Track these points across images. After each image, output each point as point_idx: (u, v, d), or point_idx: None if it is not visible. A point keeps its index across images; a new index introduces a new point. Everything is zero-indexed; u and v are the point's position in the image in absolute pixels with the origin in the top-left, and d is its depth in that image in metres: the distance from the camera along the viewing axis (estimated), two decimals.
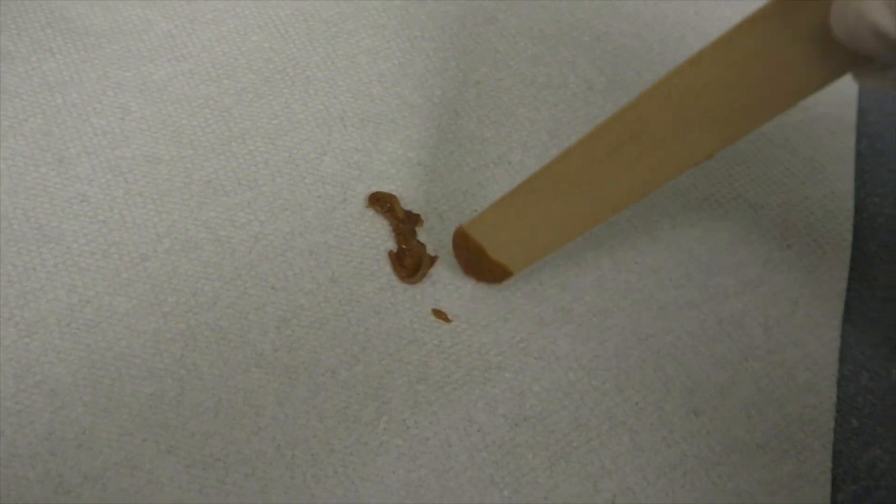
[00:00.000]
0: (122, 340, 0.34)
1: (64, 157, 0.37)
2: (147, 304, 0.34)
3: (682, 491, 0.32)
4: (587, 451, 0.33)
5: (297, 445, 0.32)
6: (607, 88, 0.42)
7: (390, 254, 0.36)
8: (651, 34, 0.44)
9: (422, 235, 0.37)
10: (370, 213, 0.38)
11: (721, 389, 0.35)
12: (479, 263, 0.35)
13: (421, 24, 0.43)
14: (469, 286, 0.36)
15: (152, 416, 0.32)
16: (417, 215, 0.38)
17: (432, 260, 0.36)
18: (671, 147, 0.27)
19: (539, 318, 0.36)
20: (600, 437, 0.33)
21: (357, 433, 0.32)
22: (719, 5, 0.45)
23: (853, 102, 0.42)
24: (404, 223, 0.37)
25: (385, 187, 0.38)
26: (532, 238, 0.33)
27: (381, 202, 0.38)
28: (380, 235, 0.37)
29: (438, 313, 0.35)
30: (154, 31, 0.42)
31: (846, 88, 0.41)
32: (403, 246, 0.36)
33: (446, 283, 0.36)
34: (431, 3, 0.44)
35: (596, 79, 0.42)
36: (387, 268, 0.36)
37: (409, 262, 0.36)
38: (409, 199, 0.38)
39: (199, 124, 0.39)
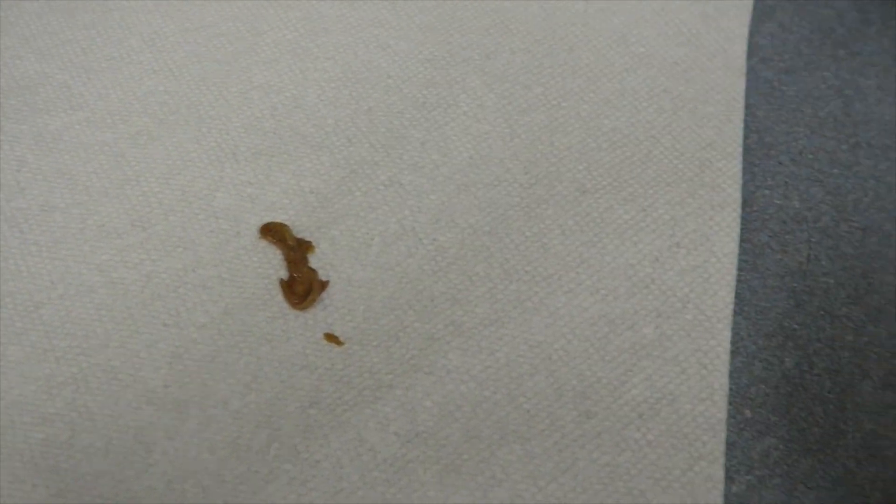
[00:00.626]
0: (14, 389, 0.34)
1: None
2: (40, 351, 0.35)
3: (573, 494, 0.33)
4: (478, 461, 0.33)
5: (188, 479, 0.32)
6: (497, 104, 0.43)
7: (281, 282, 0.37)
8: (540, 49, 0.45)
9: (314, 261, 0.38)
10: (263, 243, 0.38)
11: (613, 390, 0.35)
12: None
13: (313, 56, 0.44)
14: (361, 308, 0.37)
15: (43, 461, 0.32)
16: (309, 242, 0.38)
17: (323, 285, 0.37)
18: None
19: (430, 334, 0.36)
20: (491, 447, 0.34)
21: (248, 462, 0.33)
22: (608, 18, 0.46)
23: (740, 99, 0.43)
24: (295, 251, 0.38)
25: (278, 217, 0.39)
26: None
27: (273, 232, 0.38)
28: (272, 265, 0.38)
29: (330, 337, 0.36)
30: (50, 83, 0.43)
31: (733, 86, 0.42)
32: (294, 274, 0.37)
33: (339, 307, 0.37)
34: (324, 36, 0.45)
35: (486, 96, 0.43)
36: (279, 296, 0.37)
37: (300, 289, 0.37)
38: (302, 227, 0.39)
39: (94, 170, 0.40)
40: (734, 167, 0.41)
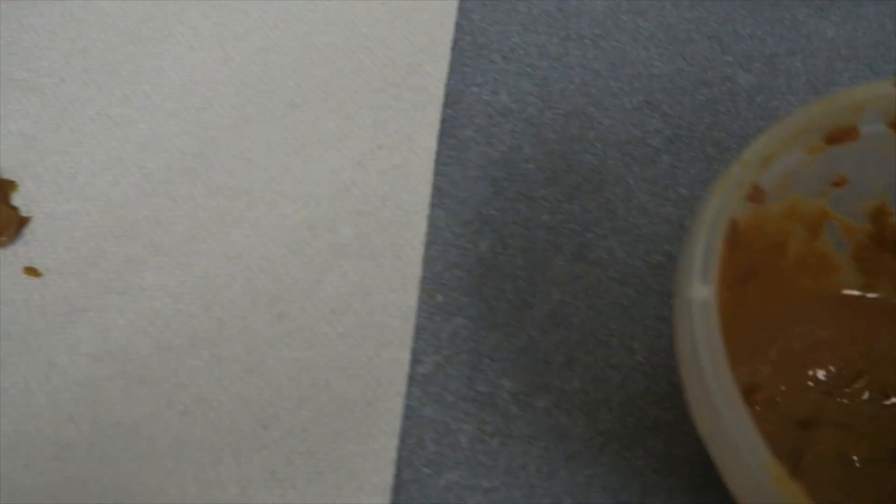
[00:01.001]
0: None
1: None
2: None
3: (258, 391, 0.33)
4: (165, 371, 0.34)
5: None
6: (213, 32, 0.43)
7: None
8: None
9: (17, 199, 0.38)
10: None
11: (308, 290, 0.36)
12: None
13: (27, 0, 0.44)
14: (63, 239, 0.37)
15: None
16: (11, 181, 0.38)
17: (23, 221, 0.37)
18: None
19: (128, 257, 0.36)
20: (180, 356, 0.34)
21: None
22: None
23: (454, 3, 0.44)
24: None
25: None
26: None
27: None
28: None
29: (29, 270, 0.36)
30: None
31: None
32: None
33: (40, 241, 0.37)
34: None
35: (202, 24, 0.43)
36: None
37: None
38: (6, 169, 0.39)
39: None
40: (441, 69, 0.41)
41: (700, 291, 0.24)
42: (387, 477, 0.32)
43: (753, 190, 0.27)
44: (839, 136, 0.28)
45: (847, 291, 0.34)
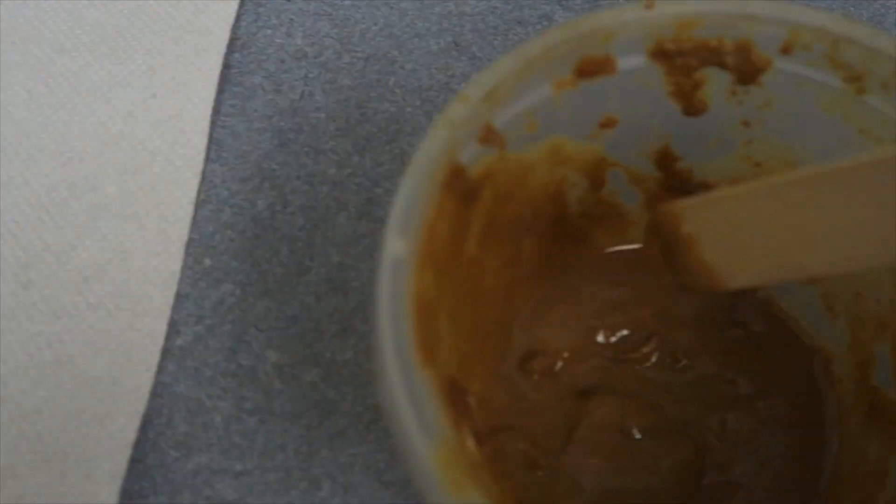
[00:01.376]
0: None
1: None
2: None
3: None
4: None
5: None
6: None
7: None
8: None
9: None
10: None
11: (60, 256, 0.32)
12: (679, 259, 0.24)
13: None
14: None
15: None
16: None
17: None
18: None
19: None
20: None
21: None
22: None
23: None
24: None
25: None
26: (783, 250, 0.21)
27: None
28: None
29: None
30: None
31: None
32: None
33: None
34: None
35: None
36: None
37: None
38: None
39: None
40: (230, 8, 0.37)
41: (395, 247, 0.21)
42: (121, 462, 0.28)
43: (485, 131, 0.23)
44: (590, 68, 0.24)
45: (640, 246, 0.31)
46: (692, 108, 0.27)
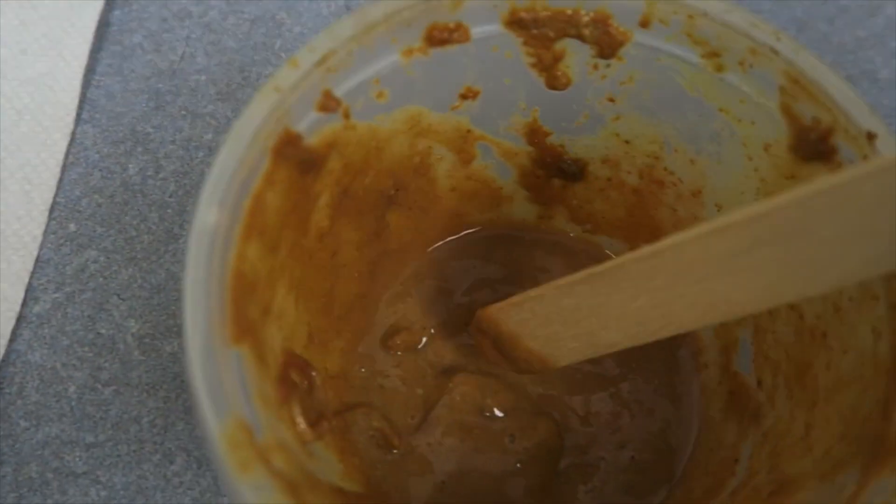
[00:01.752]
0: None
1: None
2: None
3: None
4: None
5: None
6: None
7: None
8: None
9: None
10: None
11: None
12: (510, 351, 0.26)
13: None
14: None
15: None
16: None
17: None
18: (837, 255, 0.18)
19: None
20: None
21: None
22: None
23: None
24: None
25: None
26: (590, 333, 0.23)
27: None
28: None
29: None
30: None
31: None
32: None
33: None
34: None
35: None
36: None
37: None
38: None
39: None
40: None
41: (208, 218, 0.20)
42: None
43: (324, 98, 0.22)
44: (441, 35, 0.24)
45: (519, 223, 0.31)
46: (555, 81, 0.26)
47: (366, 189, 0.26)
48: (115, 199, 0.32)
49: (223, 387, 0.18)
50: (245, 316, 0.20)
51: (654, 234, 0.29)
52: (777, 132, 0.24)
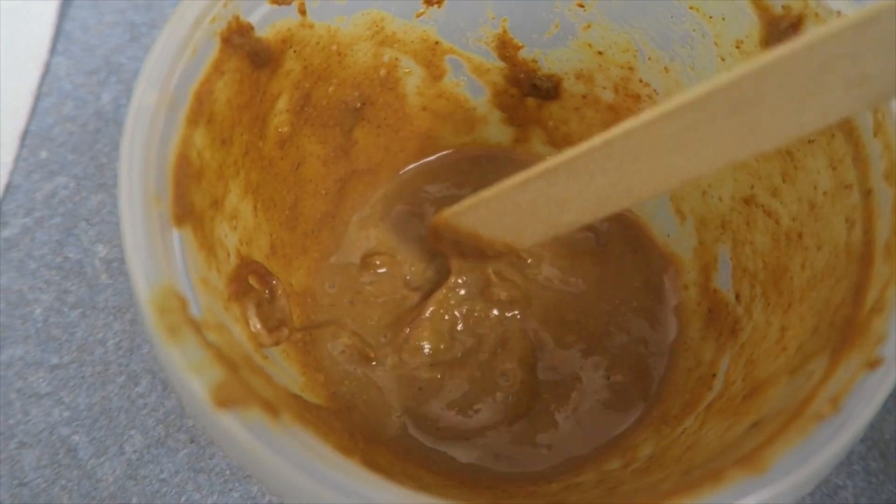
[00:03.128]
0: None
1: None
2: None
3: None
4: None
5: None
6: None
7: None
8: None
9: None
10: None
11: None
12: (472, 246, 0.26)
13: None
14: None
15: None
16: None
17: None
18: (787, 116, 0.17)
19: None
20: None
21: None
22: None
23: None
24: None
25: None
26: (549, 217, 0.23)
27: None
28: None
29: None
30: None
31: None
32: None
33: None
34: None
35: None
36: None
37: None
38: None
39: None
40: None
41: (146, 96, 0.19)
42: None
43: None
44: None
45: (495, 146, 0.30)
46: None
47: (329, 99, 0.26)
48: (87, 128, 0.31)
49: (156, 257, 0.18)
50: (189, 200, 0.20)
51: None
52: (748, 26, 0.23)
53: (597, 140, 0.20)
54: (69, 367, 0.28)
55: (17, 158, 0.31)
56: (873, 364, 0.17)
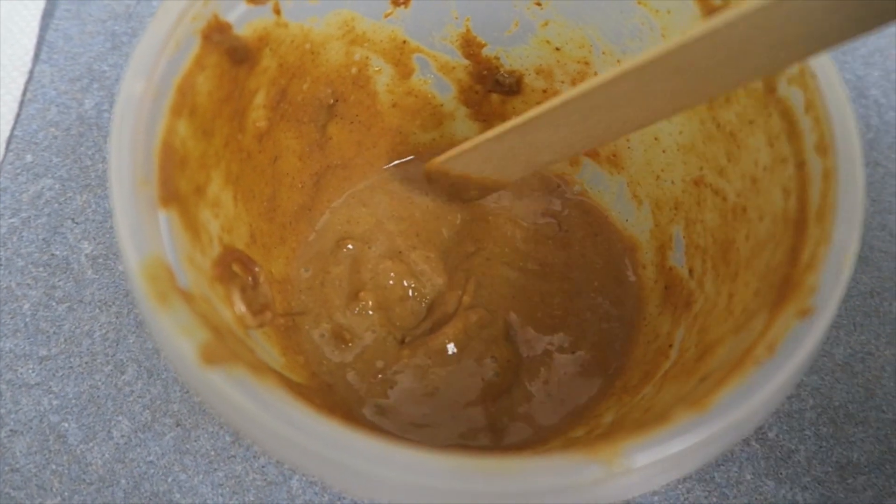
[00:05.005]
0: None
1: None
2: None
3: None
4: None
5: None
6: None
7: None
8: None
9: None
10: None
11: None
12: (463, 186, 0.29)
13: None
14: None
15: None
16: None
17: None
18: (721, 74, 0.20)
19: None
20: None
21: None
22: None
23: None
24: None
25: None
26: (528, 158, 0.27)
27: None
28: None
29: None
30: None
31: None
32: None
33: None
34: None
35: None
36: None
37: None
38: None
39: None
40: None
41: (134, 86, 0.20)
42: None
43: None
44: None
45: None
46: None
47: (304, 95, 0.27)
48: (70, 132, 0.33)
49: (145, 232, 0.19)
50: (174, 184, 0.21)
51: None
52: (691, 17, 0.24)
53: (557, 101, 0.23)
54: (57, 358, 0.29)
55: (4, 162, 0.32)
56: (805, 312, 0.19)
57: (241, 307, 0.24)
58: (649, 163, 0.29)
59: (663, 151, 0.28)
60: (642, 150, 0.29)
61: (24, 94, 0.33)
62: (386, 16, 0.27)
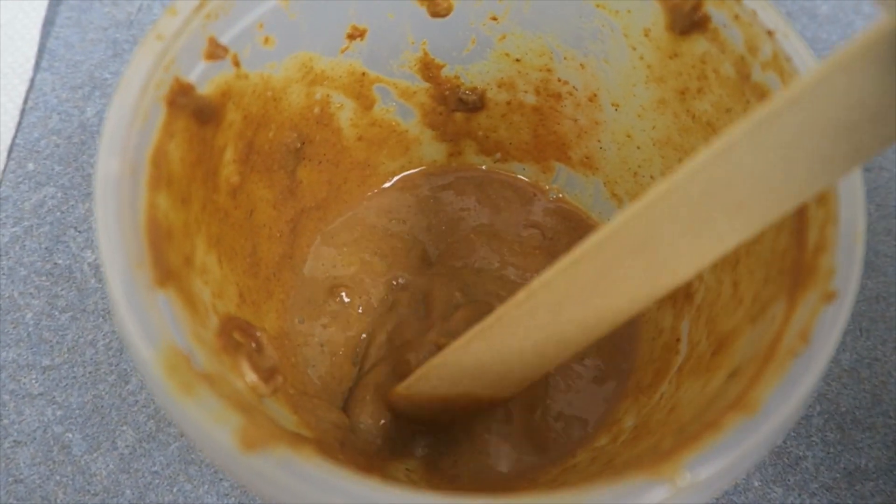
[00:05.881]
0: None
1: None
2: None
3: None
4: None
5: None
6: None
7: None
8: None
9: None
10: None
11: None
12: (440, 409, 0.25)
13: None
14: None
15: None
16: None
17: None
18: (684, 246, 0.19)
19: None
20: None
21: None
22: None
23: None
24: None
25: None
26: (500, 376, 0.24)
27: None
28: None
29: None
30: None
31: None
32: None
33: None
34: None
35: None
36: None
37: None
38: None
39: None
40: None
41: (109, 166, 0.19)
42: None
43: (210, 46, 0.22)
44: None
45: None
46: (437, 7, 0.26)
47: (271, 143, 0.26)
48: (72, 140, 0.33)
49: (153, 321, 0.18)
50: (166, 261, 0.20)
51: (562, 150, 0.30)
52: (652, 15, 0.25)
53: (513, 301, 0.21)
54: (61, 367, 0.28)
55: (6, 171, 0.32)
56: (829, 297, 0.19)
57: (252, 377, 0.23)
58: (625, 161, 0.29)
59: (638, 148, 0.28)
60: (615, 149, 0.29)
61: (25, 102, 0.33)
62: (342, 51, 0.27)
